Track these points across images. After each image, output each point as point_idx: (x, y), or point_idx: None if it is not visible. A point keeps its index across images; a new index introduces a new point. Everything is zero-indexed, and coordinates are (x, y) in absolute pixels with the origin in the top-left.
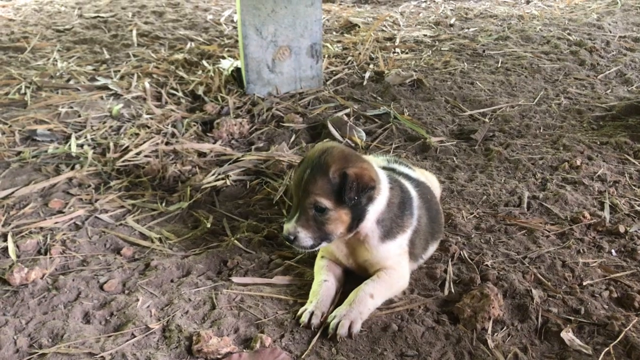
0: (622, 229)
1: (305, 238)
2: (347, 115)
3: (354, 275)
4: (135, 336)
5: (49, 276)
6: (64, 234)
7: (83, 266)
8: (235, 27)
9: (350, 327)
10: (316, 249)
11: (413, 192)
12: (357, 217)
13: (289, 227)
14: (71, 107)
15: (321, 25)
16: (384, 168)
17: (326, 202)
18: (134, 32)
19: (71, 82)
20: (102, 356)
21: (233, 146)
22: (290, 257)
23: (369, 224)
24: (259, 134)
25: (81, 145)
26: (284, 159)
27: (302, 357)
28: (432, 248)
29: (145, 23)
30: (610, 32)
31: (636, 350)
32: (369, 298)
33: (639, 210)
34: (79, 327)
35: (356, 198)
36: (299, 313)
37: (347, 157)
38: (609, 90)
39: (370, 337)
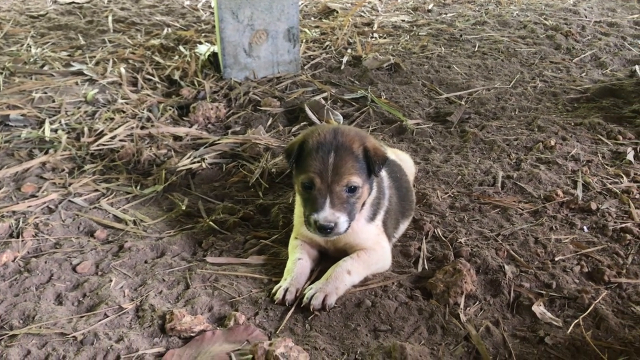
0: (594, 206)
1: (344, 223)
2: (325, 99)
3: (329, 256)
4: (108, 316)
5: (20, 259)
6: (36, 218)
7: (56, 249)
8: (212, 13)
9: (324, 300)
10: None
11: (383, 172)
12: (370, 191)
13: (326, 215)
14: (45, 93)
15: (298, 9)
16: None
17: (359, 180)
18: (110, 18)
19: (45, 67)
20: (74, 336)
21: (209, 130)
22: (266, 237)
23: (369, 201)
24: (235, 117)
25: (55, 130)
26: (260, 142)
27: (276, 333)
28: (404, 226)
29: (122, 9)
30: (586, 17)
31: (605, 322)
32: (346, 274)
33: (610, 188)
34: (50, 309)
35: (380, 169)
36: (273, 290)
37: (359, 133)
38: (584, 74)
39: (344, 313)
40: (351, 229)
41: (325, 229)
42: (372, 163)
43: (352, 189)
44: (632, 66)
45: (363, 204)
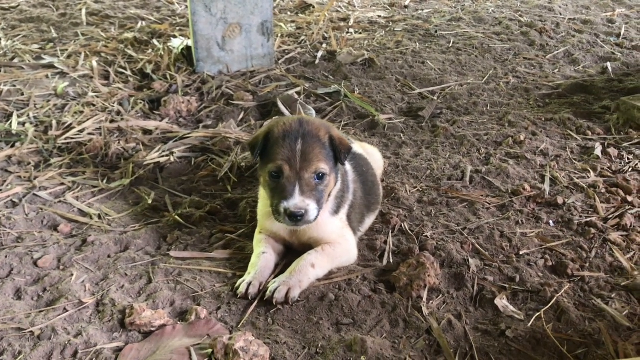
0: (560, 200)
1: (314, 210)
2: (298, 93)
3: (294, 249)
4: (67, 311)
5: None
6: None
7: (18, 243)
8: (187, 6)
9: (287, 293)
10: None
11: (347, 166)
12: (336, 180)
13: (296, 202)
14: (14, 86)
15: (272, 2)
16: None
17: (327, 167)
18: (84, 11)
19: (15, 60)
20: (31, 331)
21: (180, 124)
22: (232, 232)
23: (333, 193)
24: (207, 112)
25: (23, 124)
26: (231, 136)
27: (238, 327)
28: (370, 220)
29: (96, 2)
30: (561, 14)
31: (566, 315)
32: (310, 268)
33: (577, 182)
34: (9, 303)
35: (346, 158)
36: (237, 284)
37: (323, 122)
38: (557, 70)
39: (307, 307)
40: (315, 221)
41: (295, 217)
42: (338, 151)
43: (321, 176)
44: (604, 63)
45: (328, 196)
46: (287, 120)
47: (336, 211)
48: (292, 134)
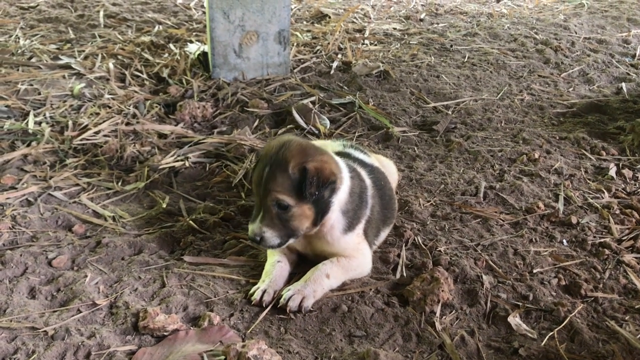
0: (574, 220)
1: (272, 237)
2: (313, 103)
3: (308, 259)
4: (81, 312)
5: None
6: (14, 210)
7: (32, 242)
8: (204, 12)
9: (301, 302)
10: (284, 246)
11: (367, 181)
12: (321, 210)
13: (254, 228)
14: (31, 85)
15: (290, 12)
16: (339, 153)
17: (288, 199)
18: (101, 13)
19: (33, 60)
20: (45, 330)
21: (195, 129)
22: (246, 239)
23: (334, 214)
24: (222, 118)
25: (39, 123)
26: (245, 143)
27: (249, 333)
28: (384, 234)
29: (114, 4)
30: (576, 33)
31: (579, 335)
32: (325, 278)
33: (591, 202)
34: (23, 302)
35: (317, 193)
36: (251, 291)
37: (306, 151)
38: (571, 89)
39: (320, 318)
40: (325, 241)
41: (253, 240)
42: (305, 185)
43: (283, 207)
44: (619, 83)
45: (320, 219)
46: (274, 143)
47: (349, 228)
48: (266, 159)
